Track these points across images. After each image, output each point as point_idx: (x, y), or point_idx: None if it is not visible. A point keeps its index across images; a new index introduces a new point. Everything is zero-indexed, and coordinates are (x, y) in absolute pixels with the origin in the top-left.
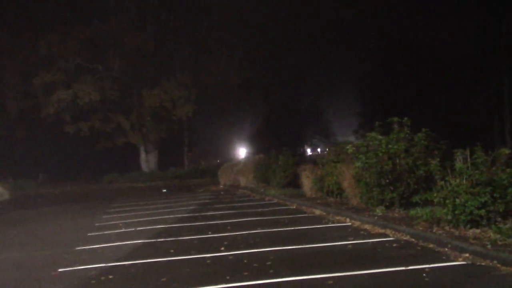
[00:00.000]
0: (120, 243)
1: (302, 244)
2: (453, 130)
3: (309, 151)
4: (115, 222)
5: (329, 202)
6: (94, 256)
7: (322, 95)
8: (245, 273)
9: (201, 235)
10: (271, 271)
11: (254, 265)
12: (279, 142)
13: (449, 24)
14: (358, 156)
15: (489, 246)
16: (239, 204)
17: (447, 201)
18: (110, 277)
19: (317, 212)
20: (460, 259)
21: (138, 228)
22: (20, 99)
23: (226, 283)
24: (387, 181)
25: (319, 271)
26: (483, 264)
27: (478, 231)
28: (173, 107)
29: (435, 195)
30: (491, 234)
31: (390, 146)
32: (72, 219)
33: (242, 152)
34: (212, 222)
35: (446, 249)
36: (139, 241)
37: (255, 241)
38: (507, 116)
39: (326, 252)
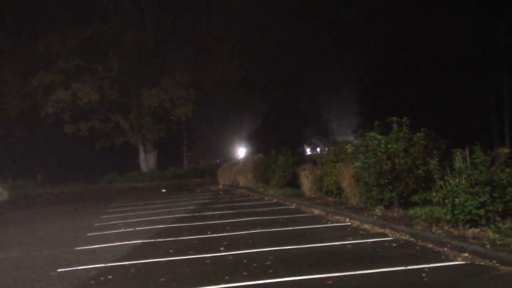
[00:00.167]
0: (120, 243)
1: (301, 244)
2: (452, 129)
3: (308, 151)
4: (114, 222)
5: (328, 202)
6: (94, 256)
7: (321, 94)
8: (245, 273)
9: (200, 235)
10: (270, 271)
11: (254, 265)
12: (278, 141)
13: (449, 24)
14: (357, 155)
15: (488, 246)
16: (238, 204)
17: (446, 201)
18: (110, 277)
19: (316, 212)
20: (459, 258)
21: (137, 228)
22: (20, 99)
23: (226, 283)
24: (386, 180)
25: (319, 271)
26: (482, 263)
27: (477, 230)
28: (172, 107)
29: (434, 194)
30: (490, 233)
31: (389, 145)
32: (71, 219)
33: (241, 152)
34: (211, 222)
35: (445, 248)
36: (139, 241)
37: (255, 241)
38: (506, 115)
39: (325, 252)
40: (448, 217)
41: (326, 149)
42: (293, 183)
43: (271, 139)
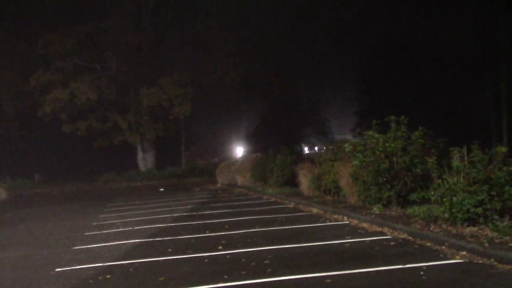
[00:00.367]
0: (118, 243)
1: (299, 243)
2: (450, 128)
3: (306, 150)
4: (112, 222)
5: (327, 200)
6: (92, 255)
7: (320, 93)
8: (243, 272)
9: (198, 234)
10: (269, 270)
11: (252, 264)
12: (276, 140)
13: (447, 23)
14: (355, 154)
15: (486, 244)
16: (237, 203)
17: (444, 199)
18: (108, 276)
19: (315, 210)
20: (457, 257)
21: (135, 227)
22: (17, 99)
23: (224, 282)
24: (384, 179)
25: (317, 269)
26: (480, 262)
27: (475, 229)
28: (170, 106)
29: (432, 193)
30: (488, 232)
31: (387, 144)
32: (69, 219)
33: (239, 151)
34: (209, 221)
35: (444, 247)
36: (137, 241)
37: (253, 240)
38: (504, 114)
39: (323, 250)
40: (446, 215)
41: (324, 148)
42: (291, 182)
43: (270, 138)
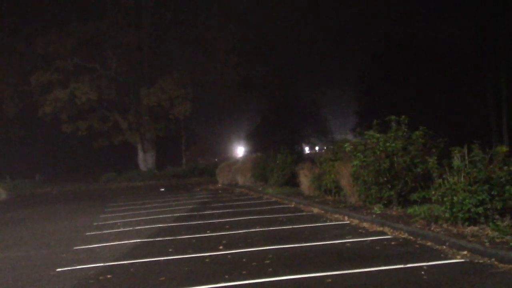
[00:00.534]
0: (119, 243)
1: (300, 243)
2: (451, 128)
3: (307, 150)
4: (113, 222)
5: (327, 200)
6: (93, 255)
7: (320, 93)
8: (244, 272)
9: (199, 234)
10: (269, 269)
11: (253, 264)
12: (277, 140)
13: (447, 22)
14: (356, 154)
15: (487, 244)
16: (237, 203)
17: (445, 199)
18: (109, 276)
19: (315, 210)
20: (458, 256)
21: (136, 227)
22: (18, 99)
23: (225, 282)
24: (385, 179)
25: (318, 269)
26: (481, 261)
27: (476, 228)
28: (170, 106)
29: (433, 193)
30: (489, 231)
31: (388, 144)
32: (70, 219)
33: (240, 150)
34: (210, 221)
35: (444, 246)
36: (138, 240)
37: (254, 240)
38: (504, 114)
39: (324, 250)
40: (447, 215)
41: (325, 147)
42: (292, 182)
43: (270, 138)
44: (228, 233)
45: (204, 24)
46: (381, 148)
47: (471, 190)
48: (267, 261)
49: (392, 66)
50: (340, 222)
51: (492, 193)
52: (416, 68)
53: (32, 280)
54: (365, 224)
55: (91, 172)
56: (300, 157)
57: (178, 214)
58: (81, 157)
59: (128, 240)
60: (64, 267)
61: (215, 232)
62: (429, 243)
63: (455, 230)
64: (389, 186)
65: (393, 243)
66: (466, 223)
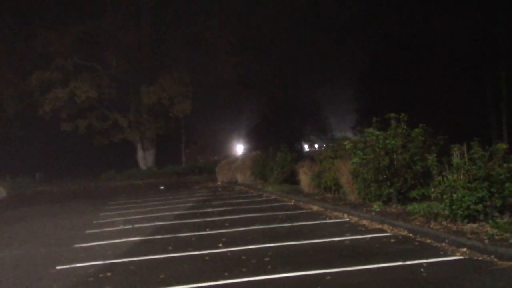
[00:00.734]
0: (118, 240)
1: (300, 240)
2: (450, 126)
3: (306, 148)
4: (113, 220)
5: (327, 198)
6: (92, 253)
7: (320, 91)
8: (244, 270)
9: (199, 232)
10: (269, 267)
11: (252, 261)
12: (276, 138)
13: (447, 20)
14: (355, 152)
15: (486, 241)
16: (237, 201)
17: (445, 196)
18: (109, 274)
19: (315, 208)
20: (457, 254)
21: (136, 225)
22: (18, 98)
23: (225, 280)
24: (385, 176)
25: (317, 267)
26: (480, 258)
27: (475, 226)
28: (170, 104)
29: (432, 190)
30: (489, 228)
31: (387, 141)
32: (70, 217)
33: (239, 148)
34: (210, 219)
35: (444, 244)
36: (137, 238)
37: (253, 237)
38: (504, 111)
39: (324, 248)
40: (447, 212)
41: (324, 145)
42: (292, 179)
43: (270, 136)
44: (227, 231)
45: (204, 24)
46: (380, 146)
47: (470, 188)
48: (267, 259)
49: (392, 65)
50: (339, 220)
51: (492, 190)
52: (416, 67)
53: (32, 278)
54: (364, 222)
55: (91, 171)
56: (300, 155)
57: (178, 212)
58: (81, 155)
59: (128, 238)
60: (64, 265)
61: (215, 230)
62: (428, 240)
63: (454, 228)
64: (389, 184)
65: (392, 240)
66: (466, 220)
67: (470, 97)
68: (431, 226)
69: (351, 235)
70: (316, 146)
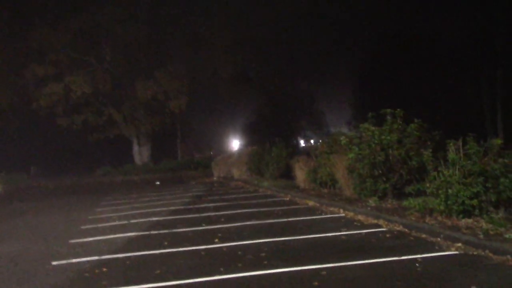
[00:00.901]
0: (114, 236)
1: (295, 235)
2: (446, 121)
3: (302, 143)
4: (108, 215)
5: (323, 193)
6: (88, 249)
7: (315, 86)
8: (239, 265)
9: (195, 227)
10: (265, 262)
11: (248, 256)
12: (272, 134)
13: (443, 16)
14: (351, 147)
15: (481, 236)
16: (233, 196)
17: (440, 192)
18: (104, 269)
19: (311, 203)
20: (452, 248)
21: (131, 221)
22: (12, 92)
23: (221, 275)
24: (380, 172)
25: (313, 262)
26: (475, 253)
27: (470, 221)
28: (166, 99)
29: (427, 185)
30: (483, 224)
31: (383, 137)
32: (65, 212)
33: (235, 144)
34: (206, 214)
35: (439, 239)
36: (133, 234)
37: (249, 232)
38: (499, 107)
39: (319, 243)
40: (442, 207)
41: (320, 141)
42: (287, 175)
43: (265, 131)
44: (223, 226)
45: (202, 21)
46: (376, 141)
47: (465, 183)
48: (263, 254)
49: (387, 59)
50: (335, 215)
51: (487, 185)
52: (411, 61)
53: (28, 274)
54: (360, 217)
55: (86, 166)
56: (295, 150)
57: (174, 208)
58: (76, 150)
59: (123, 233)
60: (60, 261)
61: (211, 225)
62: (423, 235)
63: (449, 223)
64: (384, 179)
65: (388, 235)
66: (461, 216)
67: (466, 93)
68: (427, 221)
69: (347, 230)
70: (312, 141)
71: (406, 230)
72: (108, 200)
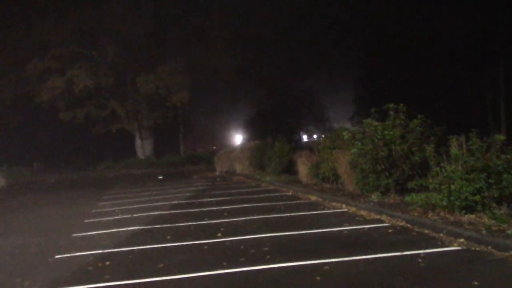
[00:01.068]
0: (117, 230)
1: (298, 230)
2: (449, 117)
3: (305, 138)
4: (111, 209)
5: (325, 188)
6: (91, 242)
7: (318, 81)
8: (242, 259)
9: (197, 221)
10: (267, 257)
11: (251, 251)
12: (275, 128)
13: (446, 13)
14: (354, 142)
15: (484, 232)
16: (235, 191)
17: (443, 187)
18: (107, 263)
19: (313, 198)
20: (455, 244)
21: (134, 215)
22: (14, 86)
23: (223, 269)
24: (383, 167)
25: (315, 256)
26: (477, 249)
27: (473, 216)
28: (168, 93)
29: (430, 181)
30: (486, 219)
31: (386, 132)
32: (68, 206)
33: (238, 138)
34: (208, 209)
35: (441, 234)
36: (136, 228)
37: (252, 227)
38: (502, 103)
39: (322, 238)
40: (444, 203)
41: (323, 136)
42: (290, 170)
43: (268, 126)
44: (226, 220)
45: (202, 13)
46: (379, 136)
47: (468, 179)
48: (265, 249)
49: (390, 55)
50: (337, 210)
51: (490, 181)
52: (414, 57)
53: (31, 267)
54: (362, 212)
55: (89, 160)
56: (298, 145)
57: (176, 202)
58: (79, 145)
59: (126, 227)
60: (63, 254)
61: (213, 220)
62: (426, 231)
63: (452, 218)
64: (387, 174)
65: (390, 231)
66: (463, 211)
67: (468, 87)
68: (429, 216)
69: (349, 226)
70: (314, 136)
71: (409, 225)
72: (110, 194)
